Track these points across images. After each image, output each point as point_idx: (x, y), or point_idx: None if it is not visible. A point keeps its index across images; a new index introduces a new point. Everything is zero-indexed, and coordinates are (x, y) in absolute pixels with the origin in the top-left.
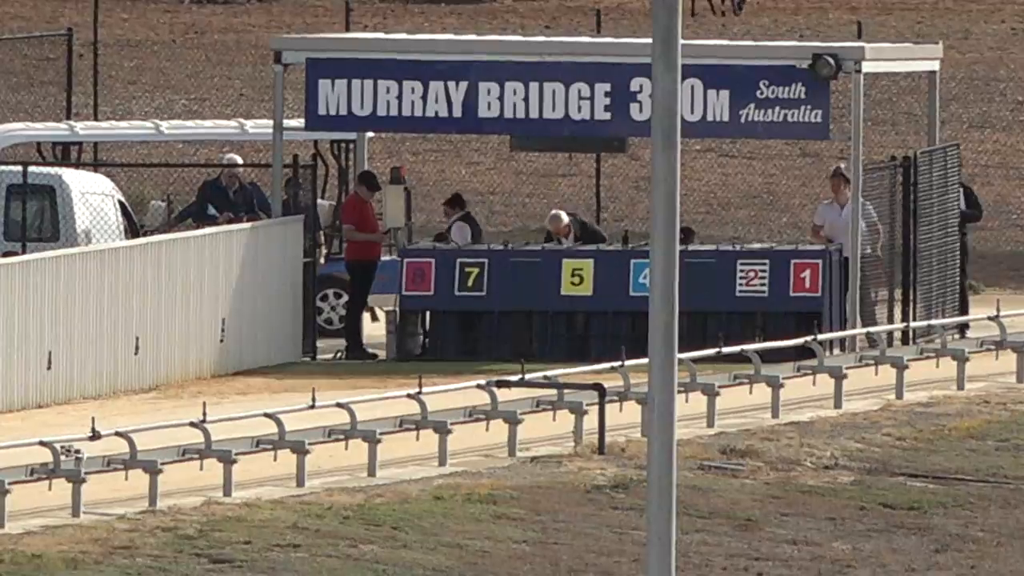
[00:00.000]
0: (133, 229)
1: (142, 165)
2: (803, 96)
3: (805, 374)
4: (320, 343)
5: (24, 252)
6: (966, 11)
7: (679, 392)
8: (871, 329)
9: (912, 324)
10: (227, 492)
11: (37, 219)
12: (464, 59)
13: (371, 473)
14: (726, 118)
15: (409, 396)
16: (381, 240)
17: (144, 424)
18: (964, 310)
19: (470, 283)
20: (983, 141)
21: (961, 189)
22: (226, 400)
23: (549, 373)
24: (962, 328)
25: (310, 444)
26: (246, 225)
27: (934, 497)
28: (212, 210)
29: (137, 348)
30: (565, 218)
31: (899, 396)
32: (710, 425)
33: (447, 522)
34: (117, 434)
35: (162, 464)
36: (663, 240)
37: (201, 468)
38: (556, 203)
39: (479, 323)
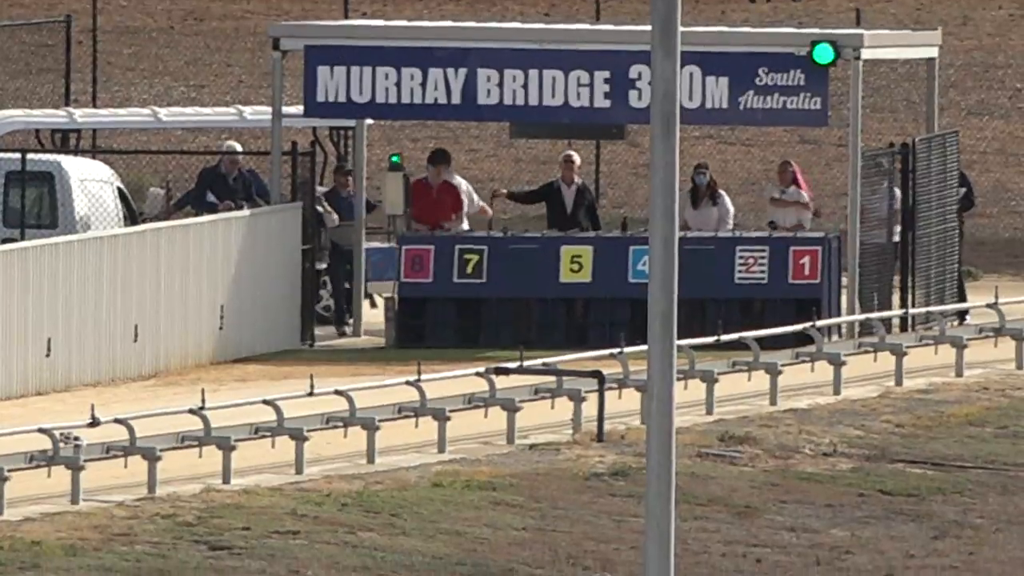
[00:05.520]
0: (132, 216)
1: (141, 152)
2: (802, 83)
3: (804, 361)
4: (319, 330)
5: (23, 239)
6: None
7: (678, 379)
8: (870, 315)
9: (911, 311)
10: (226, 479)
11: (36, 206)
12: (463, 46)
13: (370, 460)
14: (725, 105)
15: (408, 383)
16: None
17: (143, 411)
18: (961, 297)
19: (469, 270)
20: (982, 128)
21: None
22: (225, 387)
23: (548, 360)
24: (960, 315)
25: (309, 431)
26: (244, 212)
27: (933, 484)
28: (211, 197)
29: (136, 335)
30: (577, 160)
31: (898, 383)
32: (709, 412)
33: (446, 509)
34: (116, 421)
35: (161, 451)
36: (662, 227)
37: (200, 455)
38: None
39: (478, 310)
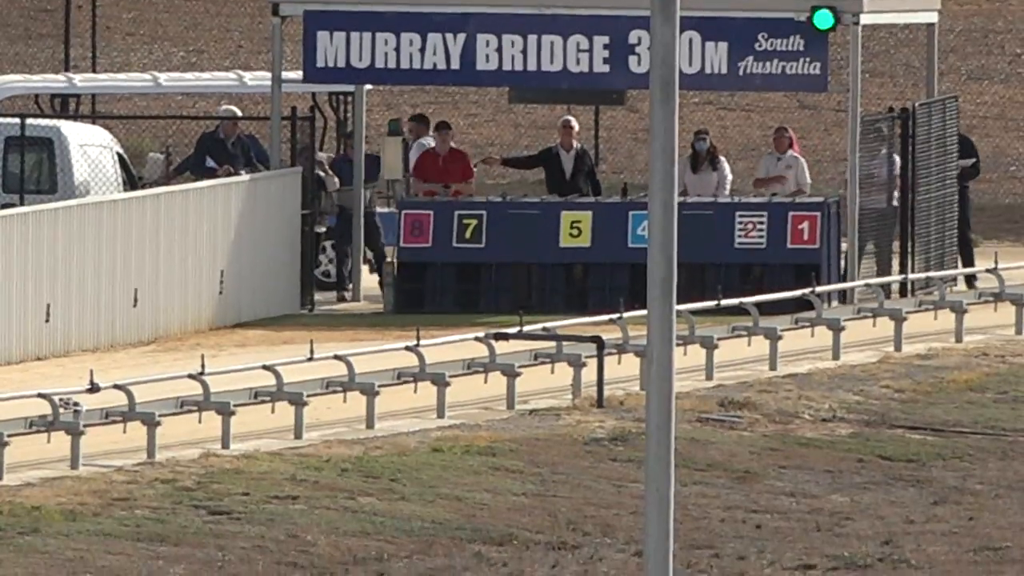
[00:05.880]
0: (131, 181)
1: (140, 117)
2: (801, 48)
3: (803, 326)
4: (318, 295)
5: (22, 204)
6: None
7: (678, 344)
8: (869, 281)
9: (910, 276)
10: (225, 444)
11: (35, 171)
12: (462, 11)
13: (369, 425)
14: (724, 70)
15: (407, 348)
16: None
17: (142, 376)
18: (969, 262)
19: (468, 235)
20: (981, 93)
21: (962, 141)
22: (224, 352)
23: (547, 325)
24: (969, 279)
25: (308, 396)
26: (244, 177)
27: (932, 449)
28: (210, 162)
29: (136, 300)
30: (576, 125)
31: (897, 348)
32: (708, 377)
33: (445, 474)
34: (115, 386)
35: (160, 416)
36: (661, 192)
37: (199, 420)
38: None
39: (477, 275)
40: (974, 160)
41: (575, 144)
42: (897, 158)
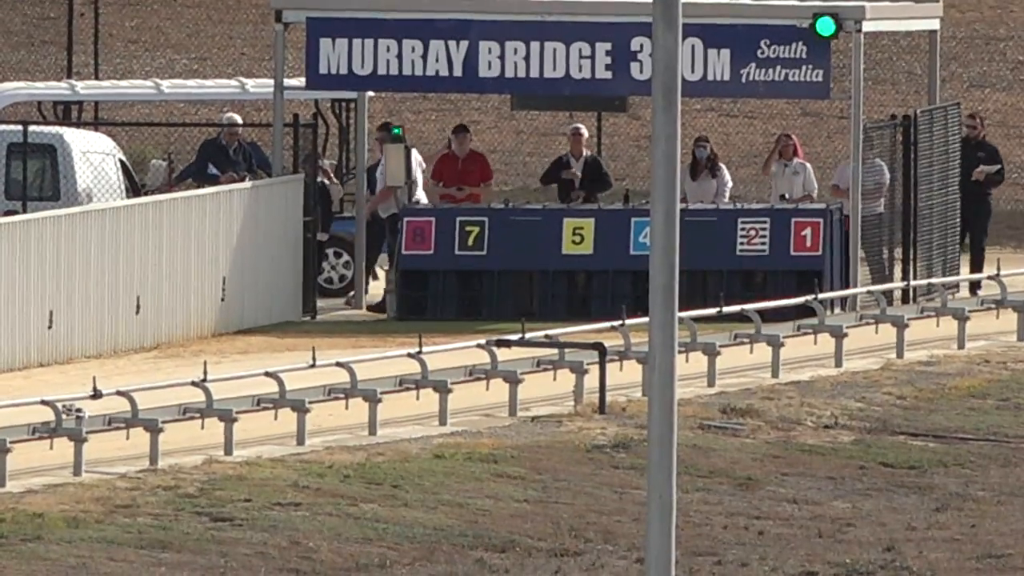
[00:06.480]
0: (134, 188)
1: (143, 124)
2: (804, 55)
3: (806, 333)
4: (321, 303)
5: (25, 211)
6: None
7: (680, 351)
8: (871, 288)
9: (912, 283)
10: (228, 451)
11: (38, 178)
12: (465, 18)
13: (371, 432)
14: (727, 77)
15: (409, 355)
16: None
17: (145, 383)
18: (978, 269)
19: (470, 242)
20: (983, 100)
21: (986, 147)
22: (227, 359)
23: (550, 332)
24: (973, 286)
25: (310, 403)
26: (247, 184)
27: (934, 456)
28: (213, 169)
29: (138, 307)
30: (585, 132)
31: (899, 355)
32: (710, 384)
33: (447, 481)
34: (118, 393)
35: (163, 423)
36: (663, 199)
37: (202, 427)
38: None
39: (479, 282)
40: (999, 167)
41: (584, 152)
42: (883, 164)
